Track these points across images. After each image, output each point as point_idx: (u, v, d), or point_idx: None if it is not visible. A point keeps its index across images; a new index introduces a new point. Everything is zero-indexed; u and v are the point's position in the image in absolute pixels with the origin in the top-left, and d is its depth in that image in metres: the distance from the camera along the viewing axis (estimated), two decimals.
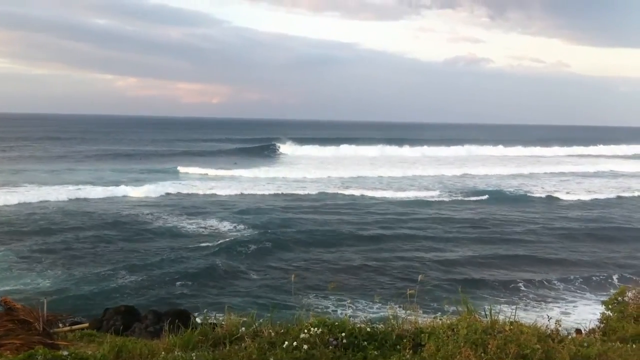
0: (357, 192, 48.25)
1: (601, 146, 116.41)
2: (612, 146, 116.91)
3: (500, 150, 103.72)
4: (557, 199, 47.57)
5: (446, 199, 45.86)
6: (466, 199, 46.41)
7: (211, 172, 60.00)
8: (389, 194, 47.72)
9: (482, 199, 45.95)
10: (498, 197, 47.41)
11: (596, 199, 47.97)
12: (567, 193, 50.51)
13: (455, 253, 28.25)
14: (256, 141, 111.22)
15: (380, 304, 18.47)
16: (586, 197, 48.32)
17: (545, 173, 69.68)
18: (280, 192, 47.95)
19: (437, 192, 49.14)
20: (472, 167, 71.63)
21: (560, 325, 7.74)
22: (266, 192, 47.33)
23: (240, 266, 24.96)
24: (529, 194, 49.29)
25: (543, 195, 48.75)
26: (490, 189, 52.09)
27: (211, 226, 32.94)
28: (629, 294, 12.42)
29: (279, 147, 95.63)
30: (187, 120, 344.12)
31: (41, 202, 38.45)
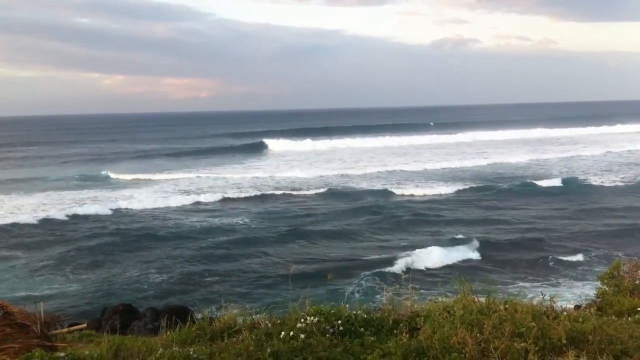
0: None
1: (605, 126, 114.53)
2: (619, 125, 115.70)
3: (508, 134, 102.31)
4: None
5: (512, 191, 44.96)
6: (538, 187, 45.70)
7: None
8: (447, 187, 46.33)
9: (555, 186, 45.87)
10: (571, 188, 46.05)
11: None
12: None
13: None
14: (246, 136, 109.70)
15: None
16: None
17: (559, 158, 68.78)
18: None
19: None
20: (497, 155, 70.33)
21: (554, 302, 7.78)
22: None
23: None
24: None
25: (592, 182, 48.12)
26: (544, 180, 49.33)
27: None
28: (624, 268, 12.51)
29: (269, 143, 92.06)
30: (177, 116, 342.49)
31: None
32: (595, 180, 49.02)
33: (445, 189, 45.46)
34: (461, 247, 28.00)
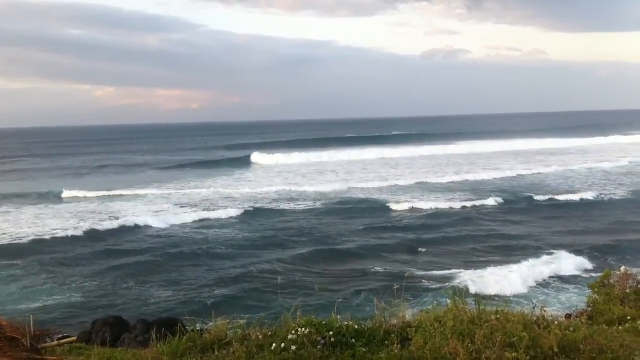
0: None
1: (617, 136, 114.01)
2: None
3: (507, 145, 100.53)
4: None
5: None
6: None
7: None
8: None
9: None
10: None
11: None
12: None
13: None
14: (237, 147, 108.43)
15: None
16: None
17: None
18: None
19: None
20: (492, 167, 68.26)
21: (545, 311, 7.78)
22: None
23: None
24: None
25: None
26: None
27: None
28: (614, 277, 12.57)
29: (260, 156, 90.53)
30: (168, 127, 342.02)
31: None
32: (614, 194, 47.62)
33: (451, 203, 43.85)
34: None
